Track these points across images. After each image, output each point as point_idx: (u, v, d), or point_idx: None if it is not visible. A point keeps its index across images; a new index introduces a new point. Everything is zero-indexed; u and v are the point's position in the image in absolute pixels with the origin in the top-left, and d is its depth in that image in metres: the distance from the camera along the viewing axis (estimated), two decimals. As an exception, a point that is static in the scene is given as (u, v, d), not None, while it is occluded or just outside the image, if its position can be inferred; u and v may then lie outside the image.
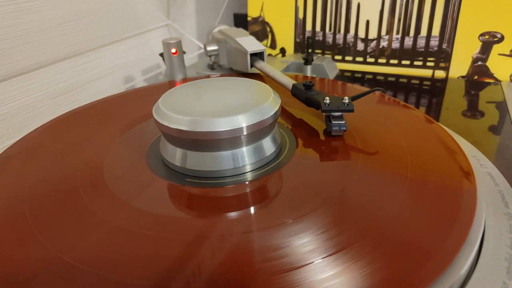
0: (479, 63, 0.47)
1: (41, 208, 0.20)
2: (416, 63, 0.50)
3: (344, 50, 0.53)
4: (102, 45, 0.43)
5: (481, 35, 0.46)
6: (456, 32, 0.47)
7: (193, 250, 0.17)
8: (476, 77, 0.48)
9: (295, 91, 0.29)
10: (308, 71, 0.46)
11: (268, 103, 0.22)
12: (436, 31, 0.48)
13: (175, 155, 0.23)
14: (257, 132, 0.22)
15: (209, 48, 0.41)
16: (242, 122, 0.21)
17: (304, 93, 0.28)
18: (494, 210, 0.20)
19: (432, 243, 0.16)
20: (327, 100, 0.25)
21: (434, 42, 0.48)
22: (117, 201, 0.20)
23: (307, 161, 0.24)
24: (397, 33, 0.50)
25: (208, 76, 0.37)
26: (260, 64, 0.36)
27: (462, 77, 0.48)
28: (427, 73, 0.50)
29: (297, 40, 0.56)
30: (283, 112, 0.30)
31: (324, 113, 0.26)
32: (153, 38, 0.51)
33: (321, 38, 0.54)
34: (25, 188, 0.22)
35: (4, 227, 0.19)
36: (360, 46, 0.52)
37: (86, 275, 0.16)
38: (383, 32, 0.50)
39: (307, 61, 0.45)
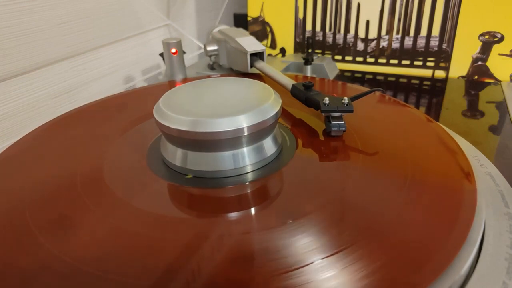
0: (479, 63, 0.47)
1: (41, 208, 0.20)
2: (416, 63, 0.50)
3: (344, 50, 0.53)
4: (102, 45, 0.43)
5: (481, 35, 0.46)
6: (456, 32, 0.47)
7: (193, 250, 0.17)
8: (476, 77, 0.48)
9: (294, 91, 0.29)
10: (308, 71, 0.46)
11: (269, 103, 0.22)
12: (436, 31, 0.48)
13: (176, 155, 0.23)
14: (258, 133, 0.22)
15: (209, 48, 0.41)
16: (243, 122, 0.21)
17: (303, 93, 0.28)
18: (494, 210, 0.20)
19: (432, 243, 0.16)
20: (327, 100, 0.25)
21: (434, 42, 0.48)
22: (117, 201, 0.20)
23: (307, 162, 0.24)
24: (397, 33, 0.50)
25: (208, 76, 0.37)
26: (260, 64, 0.36)
27: (462, 77, 0.48)
28: (427, 73, 0.50)
29: (297, 40, 0.56)
30: (283, 112, 0.30)
31: (323, 114, 0.26)
32: (153, 38, 0.51)
33: (321, 38, 0.54)
34: (25, 188, 0.22)
35: (4, 227, 0.19)
36: (360, 46, 0.52)
37: (86, 275, 0.16)
38: (383, 32, 0.51)
39: (307, 61, 0.45)
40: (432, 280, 0.15)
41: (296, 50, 0.56)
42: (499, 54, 0.46)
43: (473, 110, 0.39)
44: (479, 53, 0.47)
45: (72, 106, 0.40)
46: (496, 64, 0.46)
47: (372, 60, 0.52)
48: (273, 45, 0.57)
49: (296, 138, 0.26)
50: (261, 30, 0.57)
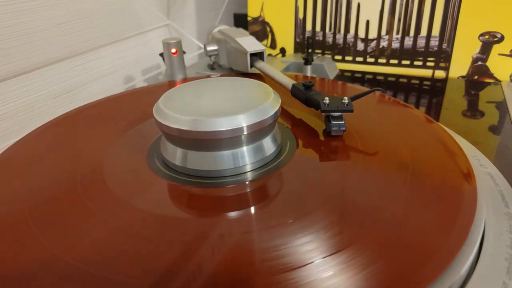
0: (479, 63, 0.47)
1: (41, 208, 0.20)
2: (416, 63, 0.50)
3: (344, 50, 0.53)
4: (102, 45, 0.43)
5: (481, 35, 0.46)
6: (456, 32, 0.47)
7: (194, 250, 0.17)
8: (476, 77, 0.48)
9: (294, 91, 0.29)
10: (308, 71, 0.46)
11: (269, 103, 0.22)
12: (436, 31, 0.48)
13: (176, 155, 0.23)
14: (257, 132, 0.22)
15: (209, 48, 0.41)
16: (243, 121, 0.21)
17: (303, 93, 0.28)
18: (494, 210, 0.20)
19: (432, 243, 0.16)
20: (327, 100, 0.25)
21: (434, 42, 0.48)
22: (117, 201, 0.20)
23: (307, 161, 0.24)
24: (397, 33, 0.50)
25: (208, 76, 0.37)
26: (260, 64, 0.36)
27: (462, 77, 0.48)
28: (427, 73, 0.50)
29: (297, 40, 0.56)
30: (283, 112, 0.30)
31: (323, 113, 0.26)
32: (153, 38, 0.51)
33: (321, 38, 0.54)
34: (25, 188, 0.22)
35: (4, 227, 0.19)
36: (360, 46, 0.52)
37: (86, 275, 0.16)
38: (383, 32, 0.50)
39: (307, 61, 0.45)
40: (432, 280, 0.15)
41: (296, 50, 0.56)
42: (499, 54, 0.46)
43: (473, 110, 0.39)
44: (479, 53, 0.47)
45: (72, 106, 0.40)
46: (496, 64, 0.46)
47: (372, 60, 0.52)
48: (273, 45, 0.57)
49: (296, 138, 0.26)
50: (261, 30, 0.57)
